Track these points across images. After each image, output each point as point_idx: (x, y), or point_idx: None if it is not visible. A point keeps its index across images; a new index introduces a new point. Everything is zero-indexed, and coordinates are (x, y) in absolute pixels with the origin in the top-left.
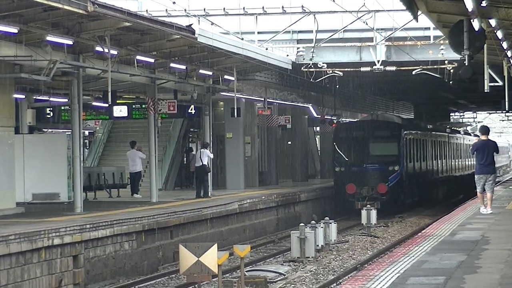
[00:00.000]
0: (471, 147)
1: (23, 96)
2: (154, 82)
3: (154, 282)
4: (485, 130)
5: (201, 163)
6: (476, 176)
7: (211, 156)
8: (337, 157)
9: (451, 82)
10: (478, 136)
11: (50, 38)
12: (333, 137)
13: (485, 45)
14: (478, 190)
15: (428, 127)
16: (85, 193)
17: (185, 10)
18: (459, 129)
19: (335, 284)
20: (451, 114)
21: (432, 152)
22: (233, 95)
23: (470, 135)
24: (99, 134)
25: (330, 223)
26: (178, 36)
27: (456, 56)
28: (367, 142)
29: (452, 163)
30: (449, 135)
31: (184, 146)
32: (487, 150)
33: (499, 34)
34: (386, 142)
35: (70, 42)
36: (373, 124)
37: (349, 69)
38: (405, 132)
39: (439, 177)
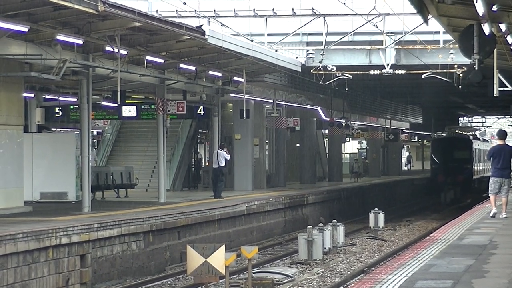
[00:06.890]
0: (487, 152)
1: (32, 95)
2: (163, 82)
3: (161, 282)
4: (502, 134)
5: (218, 165)
6: (490, 179)
7: (228, 157)
8: (433, 159)
9: (460, 87)
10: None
11: (60, 37)
12: (431, 147)
13: (495, 50)
14: (490, 193)
15: (481, 139)
16: (93, 192)
17: (195, 11)
18: (468, 134)
19: (342, 287)
20: (459, 118)
21: (484, 157)
22: (242, 96)
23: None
24: (107, 134)
25: (338, 225)
26: (188, 37)
27: (465, 60)
28: (452, 149)
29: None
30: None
31: (192, 146)
32: (503, 154)
33: (509, 39)
34: (463, 149)
35: (80, 42)
36: (455, 139)
37: (358, 72)
38: (473, 142)
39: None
